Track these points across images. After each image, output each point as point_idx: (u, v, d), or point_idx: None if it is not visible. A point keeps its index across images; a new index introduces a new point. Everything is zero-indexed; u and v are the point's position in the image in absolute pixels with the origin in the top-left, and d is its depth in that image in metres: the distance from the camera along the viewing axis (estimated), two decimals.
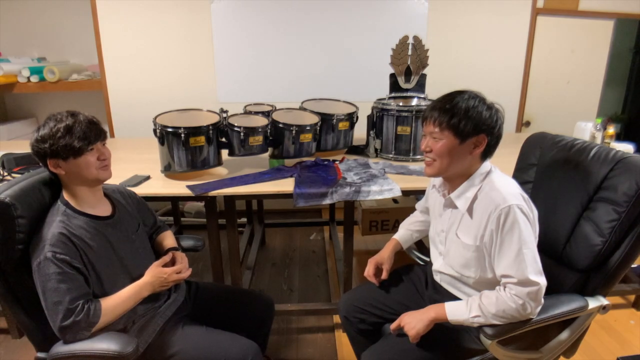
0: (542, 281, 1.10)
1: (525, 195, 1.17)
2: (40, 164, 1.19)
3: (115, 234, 1.27)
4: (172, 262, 1.39)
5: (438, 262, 1.37)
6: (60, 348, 1.12)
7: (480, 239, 1.17)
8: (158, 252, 1.47)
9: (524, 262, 1.09)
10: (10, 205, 1.09)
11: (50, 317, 1.10)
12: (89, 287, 1.15)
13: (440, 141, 1.17)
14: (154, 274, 1.29)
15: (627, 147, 2.28)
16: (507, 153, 1.62)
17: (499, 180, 1.19)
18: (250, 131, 1.92)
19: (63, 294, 1.08)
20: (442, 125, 1.16)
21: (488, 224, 1.14)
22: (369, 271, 1.48)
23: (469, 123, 1.14)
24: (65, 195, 1.21)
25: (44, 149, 1.14)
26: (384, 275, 1.47)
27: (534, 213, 1.17)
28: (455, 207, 1.25)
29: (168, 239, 1.51)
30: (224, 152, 1.99)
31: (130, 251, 1.29)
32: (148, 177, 1.91)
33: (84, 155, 1.16)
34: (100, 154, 1.21)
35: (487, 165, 1.22)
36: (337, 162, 2.13)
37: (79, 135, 1.15)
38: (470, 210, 1.20)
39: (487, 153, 1.21)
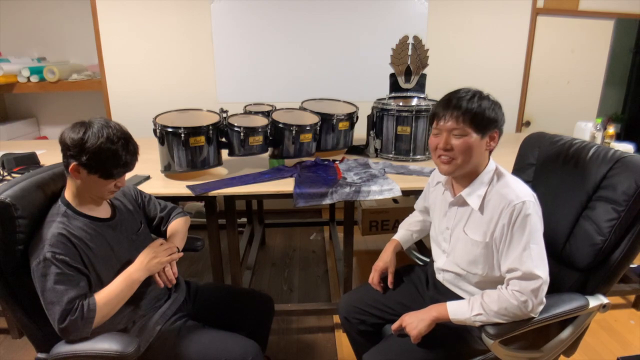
0: (545, 277, 1.11)
1: (534, 194, 1.18)
2: (63, 162, 1.16)
3: (115, 236, 1.26)
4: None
5: (441, 260, 1.37)
6: (61, 348, 1.12)
7: (491, 235, 1.18)
8: None
9: (530, 256, 1.10)
10: (11, 205, 1.09)
11: (50, 318, 1.09)
12: (90, 287, 1.15)
13: (462, 137, 1.17)
14: (144, 253, 1.27)
15: (627, 147, 2.27)
16: (507, 153, 1.62)
17: (510, 179, 1.21)
18: (250, 131, 1.92)
19: (61, 294, 1.07)
20: (465, 122, 1.15)
21: (500, 220, 1.15)
22: (373, 280, 1.48)
23: (489, 118, 1.16)
24: (66, 194, 1.21)
25: (77, 154, 1.11)
26: (390, 279, 1.47)
27: (540, 212, 1.18)
28: (464, 204, 1.26)
29: (172, 228, 1.46)
30: (224, 152, 1.99)
31: (129, 253, 1.28)
32: (148, 177, 1.91)
33: (109, 179, 1.16)
34: (118, 181, 1.20)
35: (492, 163, 1.24)
36: (337, 162, 2.13)
37: (122, 163, 1.15)
38: (481, 208, 1.21)
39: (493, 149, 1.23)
